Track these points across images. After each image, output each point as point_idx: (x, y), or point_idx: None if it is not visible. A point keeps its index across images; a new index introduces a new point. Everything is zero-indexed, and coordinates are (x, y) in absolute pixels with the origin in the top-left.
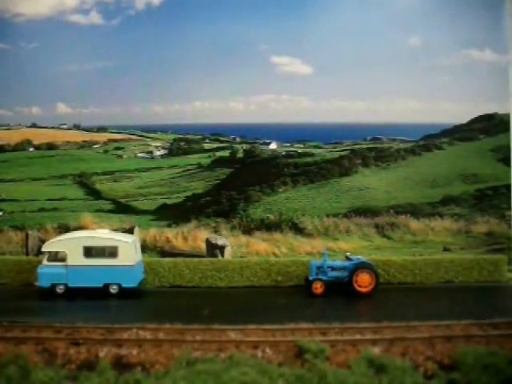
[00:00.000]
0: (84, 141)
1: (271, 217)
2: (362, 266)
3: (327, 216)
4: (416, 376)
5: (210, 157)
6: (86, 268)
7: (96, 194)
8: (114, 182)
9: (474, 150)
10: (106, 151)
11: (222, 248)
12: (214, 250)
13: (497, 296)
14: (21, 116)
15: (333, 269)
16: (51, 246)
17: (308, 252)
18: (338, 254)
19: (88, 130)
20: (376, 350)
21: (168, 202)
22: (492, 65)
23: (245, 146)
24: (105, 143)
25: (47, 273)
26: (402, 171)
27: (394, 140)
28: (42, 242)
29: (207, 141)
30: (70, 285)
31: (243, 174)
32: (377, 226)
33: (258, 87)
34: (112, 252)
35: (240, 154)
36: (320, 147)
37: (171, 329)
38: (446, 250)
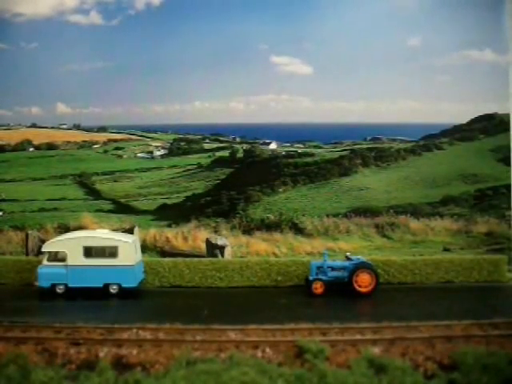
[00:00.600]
0: (84, 141)
1: (271, 217)
2: (361, 266)
3: (327, 216)
4: (416, 376)
5: (210, 157)
6: (85, 268)
7: (96, 194)
8: (114, 181)
9: (474, 150)
10: (105, 151)
11: (221, 248)
12: (213, 250)
13: (497, 296)
14: (21, 116)
15: (333, 269)
16: (51, 245)
17: (308, 252)
18: (338, 254)
19: (88, 129)
20: (376, 350)
21: (168, 201)
22: (492, 65)
23: (245, 146)
24: (105, 143)
25: (47, 273)
26: (402, 171)
27: (394, 140)
28: (42, 242)
29: (207, 141)
30: (70, 285)
31: (243, 174)
32: (377, 226)
33: (258, 87)
34: (112, 252)
35: (240, 154)
36: (320, 147)
37: (171, 329)
38: (445, 250)
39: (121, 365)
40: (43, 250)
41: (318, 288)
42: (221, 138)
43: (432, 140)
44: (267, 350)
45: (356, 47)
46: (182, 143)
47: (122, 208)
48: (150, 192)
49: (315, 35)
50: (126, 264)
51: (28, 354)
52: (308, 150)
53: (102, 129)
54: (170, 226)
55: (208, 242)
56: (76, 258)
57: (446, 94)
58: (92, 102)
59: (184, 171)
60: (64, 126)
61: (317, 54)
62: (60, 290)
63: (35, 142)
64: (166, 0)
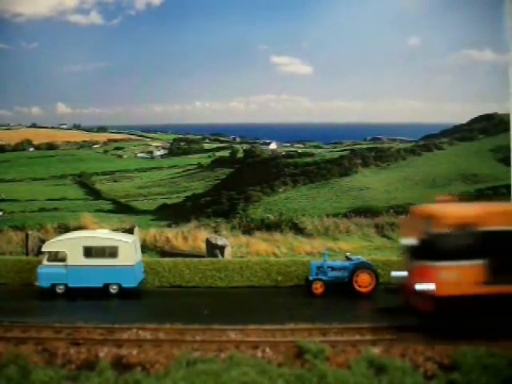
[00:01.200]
0: (84, 141)
1: (271, 217)
2: (362, 266)
3: (327, 216)
4: (416, 376)
5: (210, 157)
6: (85, 268)
7: (96, 194)
8: (114, 181)
9: (474, 150)
10: (105, 151)
11: (221, 248)
12: (213, 249)
13: None
14: (21, 116)
15: (333, 269)
16: (51, 245)
17: (308, 252)
18: (338, 254)
19: (88, 129)
20: (376, 351)
21: (168, 201)
22: (492, 65)
23: (245, 146)
24: (105, 143)
25: (47, 273)
26: (402, 171)
27: (394, 140)
28: (42, 242)
29: (207, 141)
30: (70, 285)
31: (243, 174)
32: (377, 226)
33: (258, 87)
34: (112, 252)
35: (240, 154)
36: (320, 147)
37: (171, 329)
38: None
39: (121, 365)
40: (43, 249)
41: (317, 288)
42: (221, 138)
43: (432, 140)
44: (267, 350)
45: (356, 47)
46: (182, 143)
47: (121, 208)
48: (150, 192)
49: (315, 35)
50: (126, 264)
51: (28, 354)
52: (308, 149)
53: (102, 129)
54: (170, 226)
55: (208, 242)
56: (76, 258)
57: (446, 94)
58: (92, 102)
59: (184, 171)
60: (64, 126)
61: (317, 54)
62: (60, 290)
63: (35, 142)
64: (166, 0)
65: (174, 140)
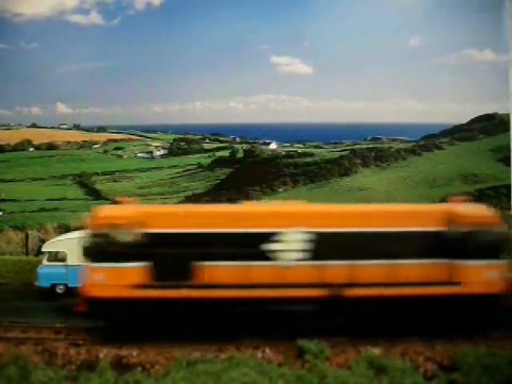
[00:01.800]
0: (84, 141)
1: None
2: None
3: None
4: (416, 377)
5: (210, 157)
6: None
7: (96, 194)
8: (114, 182)
9: (474, 150)
10: (105, 151)
11: None
12: None
13: None
14: (21, 116)
15: None
16: (51, 245)
17: None
18: None
19: (88, 129)
20: (376, 351)
21: (168, 201)
22: (492, 65)
23: (245, 146)
24: (105, 143)
25: (47, 273)
26: (402, 171)
27: (394, 140)
28: (42, 241)
29: (207, 141)
30: (70, 285)
31: (243, 174)
32: None
33: (257, 87)
34: None
35: (240, 154)
36: (320, 147)
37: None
38: None
39: (121, 365)
40: (43, 249)
41: None
42: (221, 138)
43: (432, 140)
44: (267, 350)
45: (356, 47)
46: (182, 143)
47: None
48: (150, 192)
49: (315, 35)
50: None
51: (28, 355)
52: (308, 150)
53: (102, 129)
54: None
55: None
56: (76, 258)
57: (446, 94)
58: (92, 102)
59: (184, 171)
60: (64, 126)
61: (317, 55)
62: (60, 289)
63: (35, 142)
64: (166, 0)
65: (174, 140)
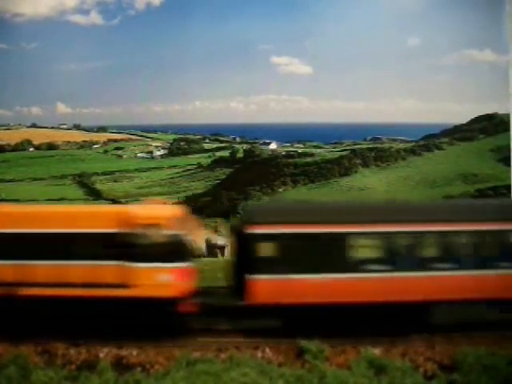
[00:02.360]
0: (84, 141)
1: None
2: None
3: None
4: (416, 377)
5: (210, 157)
6: None
7: (96, 194)
8: (114, 182)
9: (474, 150)
10: (105, 151)
11: (221, 248)
12: (213, 249)
13: None
14: (21, 116)
15: None
16: None
17: None
18: None
19: (88, 129)
20: (376, 351)
21: (167, 201)
22: (492, 65)
23: (245, 146)
24: (105, 143)
25: None
26: (402, 171)
27: (394, 140)
28: None
29: (207, 141)
30: None
31: (243, 174)
32: None
33: (258, 87)
34: None
35: (240, 154)
36: (320, 147)
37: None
38: None
39: (121, 365)
40: None
41: None
42: (221, 138)
43: (432, 140)
44: (267, 350)
45: (356, 47)
46: (182, 143)
47: None
48: (149, 192)
49: (315, 36)
50: None
51: (28, 355)
52: (308, 150)
53: (102, 129)
54: None
55: (208, 241)
56: None
57: (446, 94)
58: (92, 102)
59: (184, 171)
60: (64, 126)
61: (317, 55)
62: None
63: (35, 142)
64: (166, 0)
65: (174, 140)
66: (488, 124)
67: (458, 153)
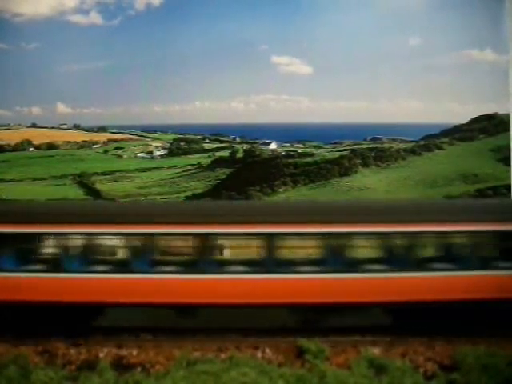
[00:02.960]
0: (84, 141)
1: None
2: None
3: None
4: (416, 376)
5: (210, 157)
6: None
7: (96, 194)
8: (114, 182)
9: (474, 150)
10: (105, 151)
11: (221, 248)
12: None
13: None
14: (21, 116)
15: None
16: None
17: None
18: None
19: (88, 129)
20: (376, 351)
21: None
22: (492, 65)
23: (245, 146)
24: (105, 143)
25: None
26: (402, 171)
27: (394, 140)
28: None
29: (207, 141)
30: None
31: (243, 174)
32: None
33: (258, 87)
34: None
35: (240, 154)
36: (320, 147)
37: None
38: None
39: (121, 365)
40: None
41: None
42: (221, 138)
43: (432, 140)
44: (267, 350)
45: (356, 47)
46: (182, 143)
47: None
48: (149, 192)
49: (315, 36)
50: None
51: (28, 355)
52: (308, 150)
53: (102, 129)
54: None
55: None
56: None
57: (446, 94)
58: (92, 102)
59: (184, 171)
60: (64, 126)
61: (317, 54)
62: None
63: (35, 142)
64: (166, 0)
65: (174, 140)
66: (488, 124)
67: (458, 153)
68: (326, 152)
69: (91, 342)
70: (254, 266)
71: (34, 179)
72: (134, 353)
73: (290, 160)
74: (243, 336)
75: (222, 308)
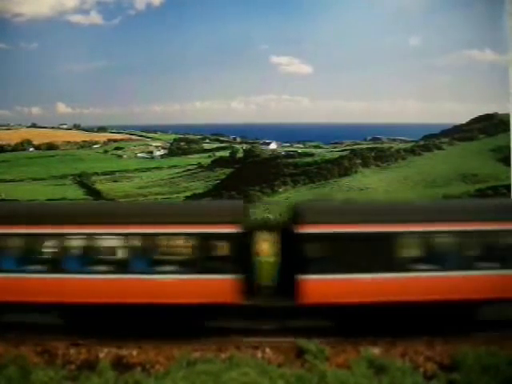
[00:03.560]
0: (84, 141)
1: (271, 217)
2: None
3: None
4: (416, 376)
5: (210, 157)
6: None
7: (96, 194)
8: (114, 182)
9: (474, 150)
10: (105, 151)
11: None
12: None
13: None
14: (21, 116)
15: None
16: None
17: None
18: None
19: (88, 129)
20: (376, 351)
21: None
22: (492, 65)
23: (245, 146)
24: (105, 143)
25: None
26: (402, 171)
27: (394, 140)
28: None
29: (207, 141)
30: None
31: (243, 174)
32: None
33: (258, 87)
34: None
35: (240, 154)
36: (320, 147)
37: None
38: None
39: (121, 365)
40: None
41: None
42: (221, 138)
43: (432, 140)
44: (267, 350)
45: (356, 47)
46: (182, 143)
47: None
48: (150, 192)
49: (315, 35)
50: None
51: (28, 355)
52: (308, 150)
53: (102, 129)
54: None
55: None
56: None
57: (446, 94)
58: (92, 102)
59: (184, 171)
60: (64, 126)
61: (317, 55)
62: None
63: (35, 142)
64: (166, 0)
65: (174, 140)
66: (488, 124)
67: (458, 153)
68: (325, 152)
69: (91, 342)
70: None
71: (34, 179)
72: (134, 353)
73: (290, 160)
74: (243, 336)
75: None
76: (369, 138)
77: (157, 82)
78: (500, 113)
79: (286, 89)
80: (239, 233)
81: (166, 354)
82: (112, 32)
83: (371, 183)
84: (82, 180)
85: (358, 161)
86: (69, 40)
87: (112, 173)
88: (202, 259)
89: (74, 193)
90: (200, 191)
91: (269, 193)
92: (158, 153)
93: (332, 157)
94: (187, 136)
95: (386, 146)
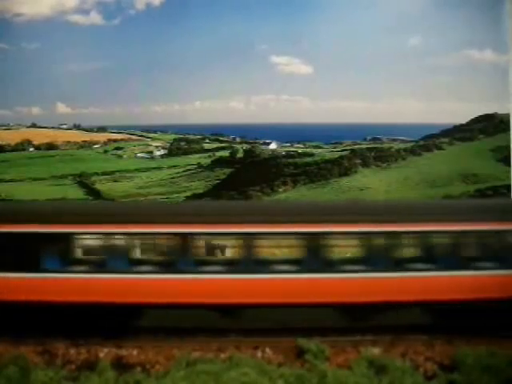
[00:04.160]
0: (84, 141)
1: None
2: None
3: None
4: (416, 376)
5: (210, 157)
6: None
7: (96, 194)
8: (114, 182)
9: (474, 150)
10: (105, 151)
11: (222, 248)
12: (213, 250)
13: None
14: (21, 116)
15: None
16: None
17: None
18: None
19: (88, 130)
20: (376, 351)
21: (168, 201)
22: (492, 65)
23: (245, 146)
24: (105, 143)
25: None
26: (402, 171)
27: (394, 140)
28: None
29: (207, 141)
30: None
31: (243, 173)
32: None
33: (257, 87)
34: None
35: (240, 154)
36: (320, 147)
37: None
38: None
39: (121, 365)
40: None
41: None
42: (221, 138)
43: (432, 140)
44: (267, 350)
45: (356, 47)
46: (182, 143)
47: None
48: (149, 192)
49: (315, 35)
50: None
51: (28, 355)
52: (308, 150)
53: (102, 129)
54: None
55: (207, 241)
56: None
57: (446, 94)
58: (92, 102)
59: (184, 171)
60: (64, 126)
61: (317, 54)
62: None
63: (35, 142)
64: (166, 0)
65: (174, 140)
66: (488, 124)
67: (457, 153)
68: (325, 152)
69: (91, 342)
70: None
71: (34, 179)
72: (134, 353)
73: (290, 160)
74: (243, 336)
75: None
76: (369, 137)
77: (157, 82)
78: (500, 113)
79: (285, 89)
80: None
81: (166, 353)
82: (112, 32)
83: (371, 183)
84: (82, 180)
85: (358, 161)
86: (69, 40)
87: (112, 173)
88: None
89: (75, 193)
90: (200, 191)
91: (269, 193)
92: (158, 153)
93: (332, 157)
94: (187, 136)
95: (385, 146)
